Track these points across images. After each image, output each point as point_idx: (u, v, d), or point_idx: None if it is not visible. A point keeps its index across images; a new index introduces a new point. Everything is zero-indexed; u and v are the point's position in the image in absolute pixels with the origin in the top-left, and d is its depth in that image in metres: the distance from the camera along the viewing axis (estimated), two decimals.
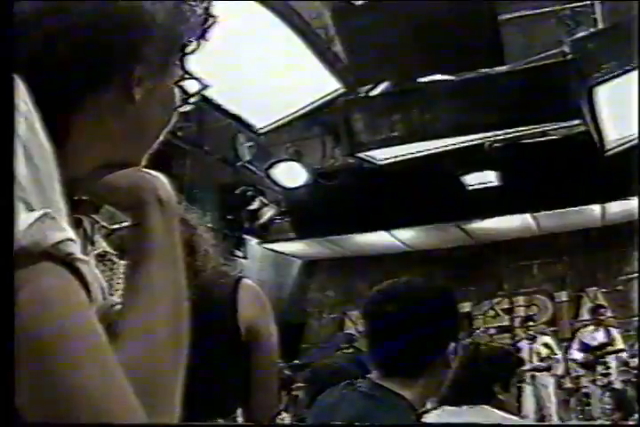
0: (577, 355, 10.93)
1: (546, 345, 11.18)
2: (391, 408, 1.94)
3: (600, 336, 10.90)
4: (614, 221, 13.25)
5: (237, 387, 2.20)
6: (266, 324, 2.31)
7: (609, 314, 12.57)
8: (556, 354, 11.11)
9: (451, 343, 2.08)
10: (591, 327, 11.19)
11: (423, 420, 2.14)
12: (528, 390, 10.89)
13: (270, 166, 11.16)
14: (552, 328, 12.84)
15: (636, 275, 13.40)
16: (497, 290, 13.99)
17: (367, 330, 2.15)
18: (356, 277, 14.46)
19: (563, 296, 13.74)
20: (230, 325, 2.18)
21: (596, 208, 12.66)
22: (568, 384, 11.51)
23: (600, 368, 10.53)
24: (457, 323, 2.25)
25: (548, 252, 13.94)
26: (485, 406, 2.85)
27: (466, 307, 13.99)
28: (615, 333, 11.15)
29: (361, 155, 9.39)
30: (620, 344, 10.94)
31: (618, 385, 10.45)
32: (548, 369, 10.94)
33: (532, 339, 11.18)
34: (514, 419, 2.95)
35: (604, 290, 13.45)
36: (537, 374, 10.82)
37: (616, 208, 12.74)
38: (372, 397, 2.00)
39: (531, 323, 11.67)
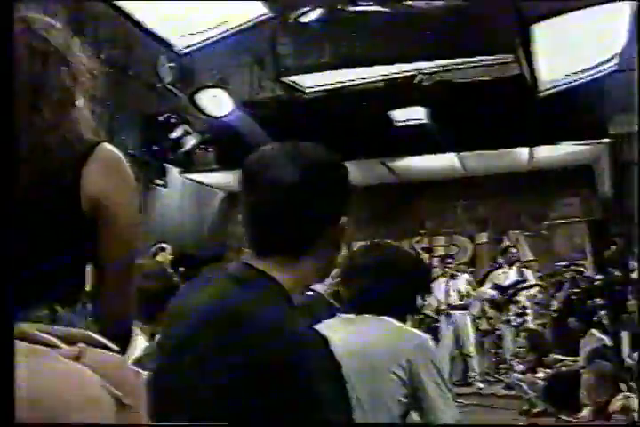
0: (490, 294, 10.87)
1: (464, 284, 11.11)
2: (257, 291, 1.67)
3: (513, 275, 10.87)
4: (542, 166, 13.21)
5: (77, 273, 1.77)
6: (119, 201, 1.73)
7: (530, 258, 12.65)
8: (472, 294, 11.07)
9: (341, 218, 1.80)
10: (504, 268, 11.10)
11: (317, 326, 1.83)
12: (446, 328, 10.90)
13: (195, 92, 10.79)
14: (470, 269, 12.83)
15: (561, 221, 13.53)
16: (418, 229, 13.88)
17: (243, 203, 1.79)
18: None
19: (483, 238, 13.72)
20: (70, 199, 1.67)
21: (524, 152, 12.56)
22: (484, 326, 11.55)
23: (514, 308, 10.52)
24: (347, 196, 1.91)
25: (472, 193, 13.85)
26: (385, 318, 2.69)
27: None
28: (529, 273, 11.13)
29: (287, 80, 9.11)
30: (532, 282, 10.96)
31: (532, 325, 10.49)
32: (466, 308, 10.88)
33: (451, 277, 11.07)
34: (417, 333, 2.82)
35: (527, 233, 13.45)
36: (455, 313, 10.78)
37: (544, 153, 12.68)
38: (237, 279, 1.72)
39: (449, 260, 11.51)
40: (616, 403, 5.99)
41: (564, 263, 11.56)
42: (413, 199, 14.15)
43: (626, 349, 8.58)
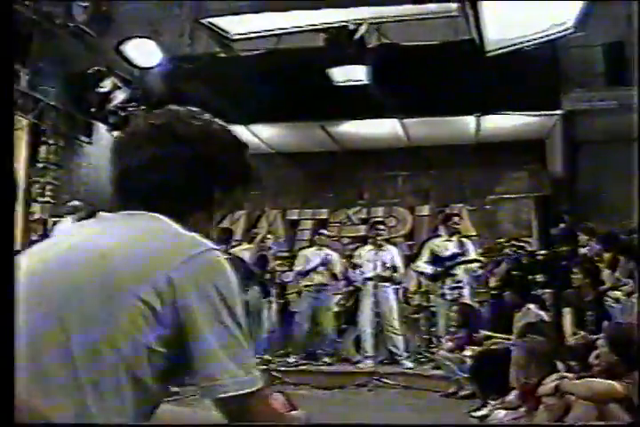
0: (426, 267, 10.22)
1: (392, 257, 10.43)
2: None
3: (452, 247, 10.23)
4: (489, 138, 12.68)
5: None
6: None
7: (472, 233, 12.07)
8: (399, 267, 10.43)
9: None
10: (444, 238, 10.44)
11: None
12: (367, 299, 10.31)
13: (122, 42, 10.04)
14: (409, 242, 12.25)
15: (507, 196, 13.01)
16: (357, 199, 13.29)
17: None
18: None
19: (424, 210, 13.12)
20: None
21: (471, 122, 11.99)
22: (417, 301, 10.95)
23: (449, 281, 9.88)
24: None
25: (415, 164, 13.32)
26: (155, 214, 1.79)
27: (322, 214, 13.31)
28: (469, 244, 10.50)
29: (212, 26, 8.41)
30: (473, 256, 10.34)
31: (468, 300, 9.83)
32: (391, 281, 10.17)
33: (379, 247, 10.34)
34: (196, 240, 1.74)
35: (469, 207, 12.89)
36: (380, 284, 10.09)
37: (493, 124, 12.14)
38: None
39: (380, 227, 10.70)
40: (548, 385, 5.26)
41: (505, 239, 10.98)
42: (353, 168, 13.66)
43: (567, 326, 7.96)
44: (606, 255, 8.58)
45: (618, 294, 7.93)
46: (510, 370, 5.97)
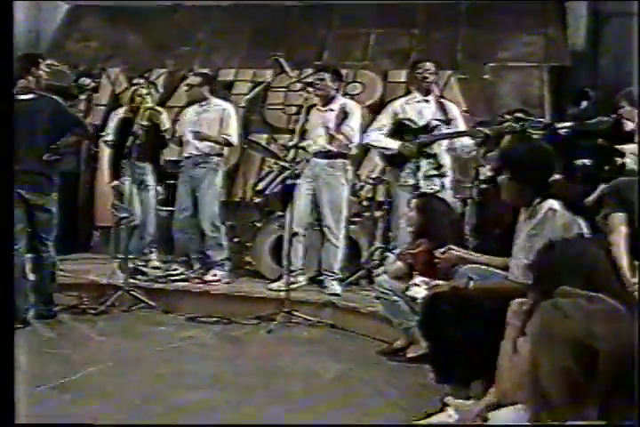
0: (384, 140, 6.77)
1: (336, 123, 7.06)
2: None
3: (429, 111, 6.74)
4: None
5: None
6: None
7: (463, 108, 8.63)
8: (348, 135, 7.04)
9: None
10: (415, 96, 7.01)
11: None
12: (302, 188, 6.93)
13: None
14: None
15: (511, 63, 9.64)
16: (315, 60, 9.92)
17: None
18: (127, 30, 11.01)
19: (400, 76, 9.70)
20: None
21: None
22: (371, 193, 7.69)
23: (426, 164, 6.49)
24: None
25: (391, 20, 10.10)
26: None
27: (266, 76, 9.92)
28: (454, 110, 6.88)
29: None
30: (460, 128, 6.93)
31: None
32: (331, 157, 6.81)
33: (308, 109, 6.91)
34: None
35: (461, 76, 9.48)
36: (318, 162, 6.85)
37: None
38: None
39: (316, 82, 7.23)
40: None
41: (507, 111, 7.49)
42: (313, 23, 10.46)
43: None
44: None
45: None
46: None
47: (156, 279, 7.24)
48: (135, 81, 8.35)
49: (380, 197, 7.75)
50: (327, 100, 7.14)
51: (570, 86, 8.95)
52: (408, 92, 7.38)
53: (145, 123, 7.06)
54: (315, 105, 7.18)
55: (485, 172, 6.53)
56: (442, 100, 7.02)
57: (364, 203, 7.66)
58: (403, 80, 9.17)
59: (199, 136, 7.43)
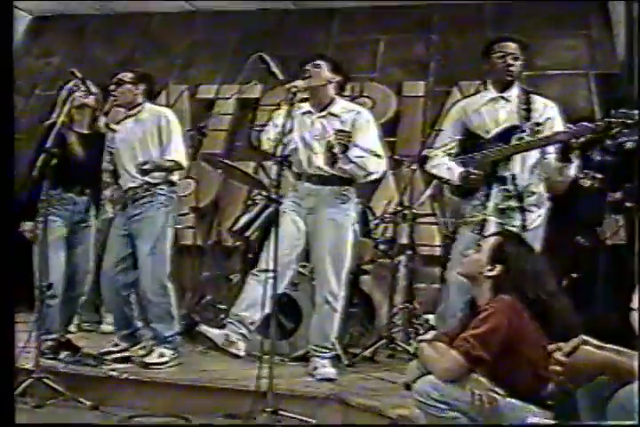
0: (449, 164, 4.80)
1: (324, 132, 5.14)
2: None
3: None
4: None
5: None
6: None
7: None
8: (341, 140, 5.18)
9: None
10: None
11: None
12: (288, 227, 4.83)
13: None
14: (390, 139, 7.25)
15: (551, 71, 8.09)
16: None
17: None
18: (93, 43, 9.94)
19: (418, 89, 8.11)
20: None
21: None
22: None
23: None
24: None
25: (404, 24, 8.76)
26: None
27: (253, 91, 8.33)
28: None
29: None
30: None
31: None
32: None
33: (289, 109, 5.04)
34: None
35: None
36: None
37: None
38: None
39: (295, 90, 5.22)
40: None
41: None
42: (311, 29, 9.12)
43: None
44: None
45: None
46: None
47: (83, 360, 5.05)
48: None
49: (403, 239, 5.92)
50: (325, 100, 5.12)
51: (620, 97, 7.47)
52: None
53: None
54: (308, 112, 5.13)
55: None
56: (529, 94, 4.69)
57: (381, 247, 5.78)
58: (421, 94, 7.66)
59: (146, 168, 5.17)
